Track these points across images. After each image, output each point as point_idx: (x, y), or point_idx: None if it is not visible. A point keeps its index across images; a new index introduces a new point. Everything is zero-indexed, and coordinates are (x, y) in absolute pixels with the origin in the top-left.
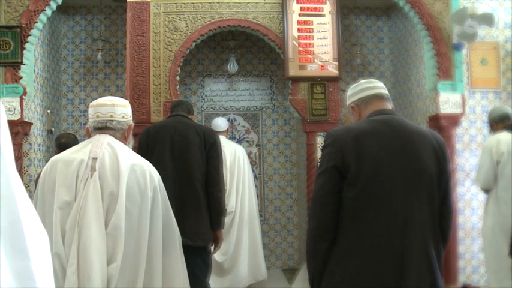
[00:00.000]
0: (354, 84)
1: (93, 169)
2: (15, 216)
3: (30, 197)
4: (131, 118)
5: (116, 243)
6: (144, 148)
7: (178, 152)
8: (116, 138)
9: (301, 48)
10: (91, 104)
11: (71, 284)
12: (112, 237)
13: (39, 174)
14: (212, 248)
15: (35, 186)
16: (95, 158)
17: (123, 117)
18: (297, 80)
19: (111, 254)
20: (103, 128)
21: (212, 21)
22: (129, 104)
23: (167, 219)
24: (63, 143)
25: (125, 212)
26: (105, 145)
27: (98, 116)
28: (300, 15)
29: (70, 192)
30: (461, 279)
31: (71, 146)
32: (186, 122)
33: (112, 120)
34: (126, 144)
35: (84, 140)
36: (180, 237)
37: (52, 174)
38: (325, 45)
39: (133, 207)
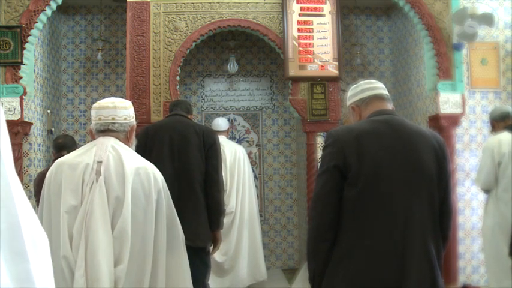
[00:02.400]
0: (354, 85)
1: (98, 173)
2: (14, 218)
3: (30, 197)
4: (134, 119)
5: (122, 246)
6: (142, 148)
7: (177, 152)
8: (119, 140)
9: (301, 48)
10: (93, 106)
11: (80, 285)
12: (118, 241)
13: (38, 175)
14: (211, 248)
15: (34, 187)
16: (99, 162)
17: (125, 119)
18: (297, 80)
19: (118, 256)
20: (105, 130)
21: (212, 21)
22: (132, 105)
23: (171, 220)
24: (60, 143)
25: (131, 215)
26: (109, 148)
27: (100, 119)
28: (300, 15)
29: (76, 196)
30: (461, 279)
31: (68, 147)
32: (185, 121)
33: (114, 123)
34: (129, 146)
35: (84, 139)
36: (184, 237)
37: (58, 177)
38: (325, 45)
39: (138, 210)
